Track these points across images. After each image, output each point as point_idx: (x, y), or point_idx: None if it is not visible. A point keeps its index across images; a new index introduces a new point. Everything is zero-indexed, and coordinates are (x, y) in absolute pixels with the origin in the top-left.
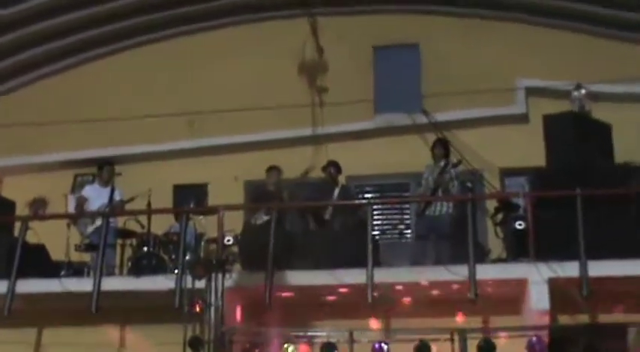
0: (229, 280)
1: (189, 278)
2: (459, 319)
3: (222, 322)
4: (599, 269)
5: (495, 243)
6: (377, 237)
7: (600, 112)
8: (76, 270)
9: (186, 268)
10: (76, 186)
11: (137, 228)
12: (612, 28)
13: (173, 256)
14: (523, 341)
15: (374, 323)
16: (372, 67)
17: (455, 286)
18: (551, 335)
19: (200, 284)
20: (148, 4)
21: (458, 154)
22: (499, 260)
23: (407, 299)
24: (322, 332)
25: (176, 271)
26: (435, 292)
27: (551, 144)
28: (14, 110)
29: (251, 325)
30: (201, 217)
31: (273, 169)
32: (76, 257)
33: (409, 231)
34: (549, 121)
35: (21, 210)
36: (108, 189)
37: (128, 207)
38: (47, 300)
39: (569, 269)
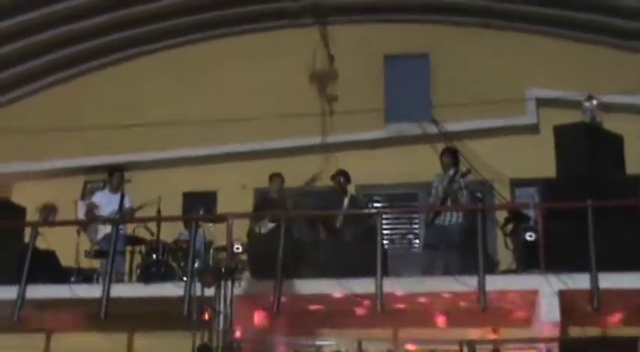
0: (238, 288)
1: (198, 286)
2: (469, 330)
3: (230, 330)
4: (610, 281)
5: (505, 254)
6: (386, 247)
7: (611, 123)
8: (86, 277)
9: (195, 276)
10: (86, 193)
11: (146, 235)
12: (624, 39)
13: (182, 263)
14: None
15: (382, 333)
16: (383, 76)
17: (464, 297)
18: (562, 348)
19: (209, 291)
20: (160, 12)
21: (467, 164)
22: (509, 271)
23: (416, 309)
24: (331, 342)
25: (185, 278)
26: (444, 302)
27: (562, 155)
28: (25, 117)
29: (260, 333)
30: (210, 225)
31: (275, 177)
32: (85, 263)
33: (418, 241)
34: (561, 132)
35: (31, 216)
36: (118, 196)
37: (138, 214)
38: (57, 306)
39: (580, 281)
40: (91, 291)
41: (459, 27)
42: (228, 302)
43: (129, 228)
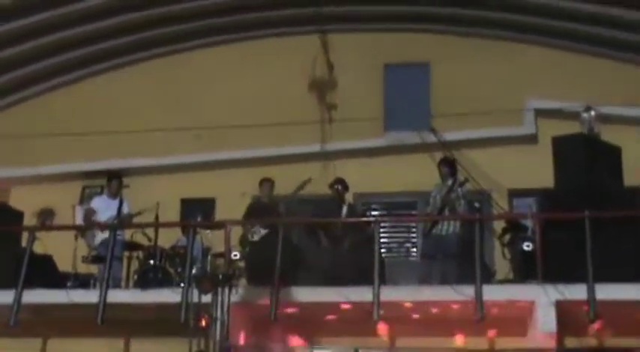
0: (235, 295)
1: (195, 292)
2: (465, 339)
3: (227, 337)
4: (607, 292)
5: (501, 264)
6: (383, 256)
7: (609, 134)
8: (83, 282)
9: (192, 282)
10: (84, 198)
11: (144, 241)
12: (622, 51)
13: (179, 270)
14: None
15: (379, 342)
16: (382, 84)
17: (461, 306)
18: None
19: (206, 298)
20: (159, 18)
21: (465, 173)
22: (506, 281)
23: (412, 318)
24: (327, 350)
25: (182, 285)
26: (440, 311)
27: (561, 166)
28: (23, 121)
29: (257, 340)
30: (208, 231)
31: (265, 181)
32: (82, 268)
33: (415, 250)
34: (559, 143)
35: (28, 220)
36: (116, 201)
37: (135, 219)
38: (53, 311)
39: (577, 292)
40: (88, 297)
41: (460, 37)
42: (226, 308)
43: (127, 234)
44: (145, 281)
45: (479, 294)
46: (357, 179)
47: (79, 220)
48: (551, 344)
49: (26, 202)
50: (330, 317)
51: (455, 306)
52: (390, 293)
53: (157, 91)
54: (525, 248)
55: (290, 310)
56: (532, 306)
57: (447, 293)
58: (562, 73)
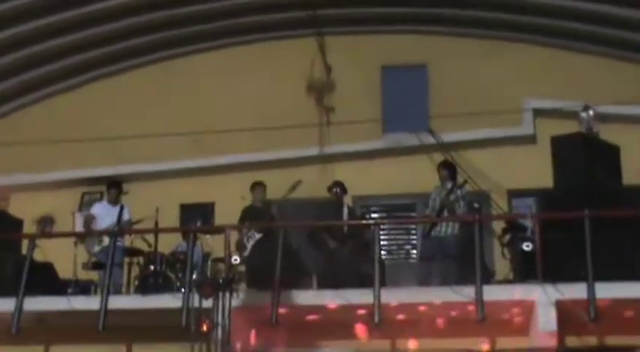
0: (236, 299)
1: (196, 297)
2: (466, 340)
3: (228, 341)
4: (607, 291)
5: (500, 265)
6: (383, 258)
7: (608, 134)
8: (83, 288)
9: (193, 287)
10: (84, 204)
11: (144, 247)
12: (620, 50)
13: (180, 275)
14: None
15: (380, 344)
16: (380, 86)
17: (461, 307)
18: None
19: (207, 303)
20: (156, 24)
21: (464, 175)
22: (506, 281)
23: (412, 320)
24: None
25: (183, 290)
26: (440, 313)
27: (560, 166)
28: (22, 128)
29: (258, 344)
30: (207, 236)
31: (257, 185)
32: (83, 275)
33: (415, 252)
34: (558, 142)
35: (28, 227)
36: (117, 208)
37: (135, 225)
38: (54, 318)
39: (577, 291)
40: (89, 303)
41: (457, 38)
42: (226, 313)
43: (127, 240)
44: (145, 286)
45: (479, 295)
46: (355, 181)
47: (78, 227)
48: (552, 343)
49: (26, 209)
50: (330, 320)
51: (455, 307)
52: (390, 296)
53: (155, 97)
54: (525, 248)
55: (290, 313)
56: (532, 306)
57: (447, 294)
58: (560, 73)
